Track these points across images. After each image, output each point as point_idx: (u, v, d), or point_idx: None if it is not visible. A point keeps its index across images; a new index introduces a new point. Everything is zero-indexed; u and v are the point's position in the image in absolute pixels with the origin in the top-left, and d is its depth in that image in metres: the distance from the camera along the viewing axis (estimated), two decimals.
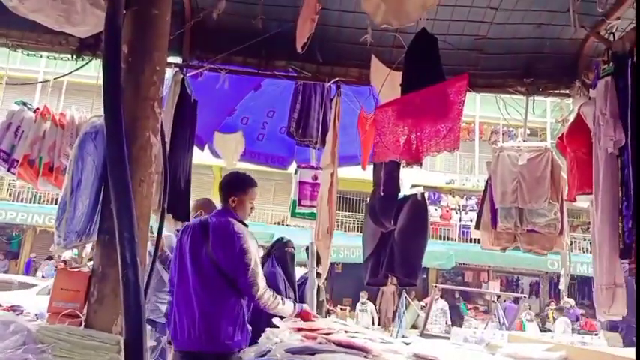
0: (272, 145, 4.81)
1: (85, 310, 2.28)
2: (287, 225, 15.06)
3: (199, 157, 3.71)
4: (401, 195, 3.09)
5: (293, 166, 4.75)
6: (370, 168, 3.29)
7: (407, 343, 2.62)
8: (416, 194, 3.07)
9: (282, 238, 3.96)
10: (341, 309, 13.49)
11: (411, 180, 3.53)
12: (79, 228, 2.38)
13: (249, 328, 2.77)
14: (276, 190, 17.09)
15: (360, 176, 5.70)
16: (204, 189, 16.02)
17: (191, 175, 3.47)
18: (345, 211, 15.86)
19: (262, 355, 2.04)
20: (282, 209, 15.30)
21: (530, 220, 3.14)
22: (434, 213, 16.19)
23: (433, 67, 2.39)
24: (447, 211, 16.91)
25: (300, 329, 2.54)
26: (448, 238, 16.50)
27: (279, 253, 3.86)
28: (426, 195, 3.29)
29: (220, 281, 2.71)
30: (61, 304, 2.25)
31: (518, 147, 3.47)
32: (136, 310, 1.98)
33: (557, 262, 11.22)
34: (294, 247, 3.95)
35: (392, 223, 2.99)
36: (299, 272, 6.46)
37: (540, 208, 3.13)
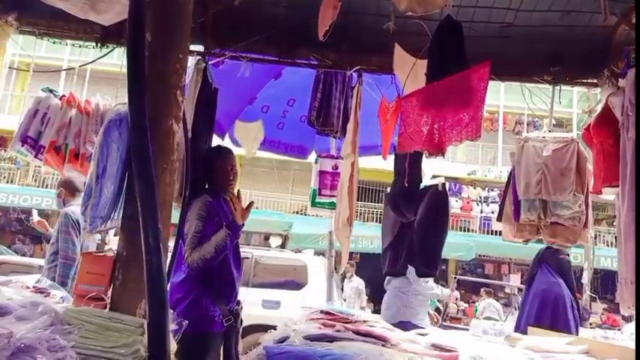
0: (292, 134, 4.81)
1: (109, 294, 2.35)
2: (306, 214, 15.13)
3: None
4: (422, 185, 3.06)
5: (313, 156, 4.75)
6: (390, 158, 3.26)
7: (423, 334, 2.62)
8: (437, 185, 3.04)
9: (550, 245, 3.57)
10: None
11: (432, 170, 3.50)
12: (103, 213, 2.44)
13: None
14: (296, 180, 17.16)
15: (379, 166, 5.68)
16: None
17: None
18: (364, 201, 15.84)
19: (281, 342, 2.06)
20: (302, 198, 15.35)
21: (554, 212, 3.08)
22: (454, 204, 16.03)
23: (458, 55, 2.35)
24: (468, 203, 16.73)
25: (318, 318, 2.56)
26: (468, 230, 16.34)
27: (553, 262, 3.59)
28: (447, 186, 3.26)
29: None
30: (86, 287, 2.32)
31: (544, 137, 3.39)
32: (159, 295, 2.03)
33: (581, 256, 11.01)
34: (567, 254, 3.69)
35: (412, 213, 2.97)
36: (318, 261, 6.51)
37: (565, 200, 3.07)
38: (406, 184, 2.85)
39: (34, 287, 2.53)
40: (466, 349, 2.11)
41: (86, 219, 2.46)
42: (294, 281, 6.27)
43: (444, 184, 3.09)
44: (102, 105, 3.32)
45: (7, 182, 15.61)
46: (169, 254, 2.74)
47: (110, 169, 2.40)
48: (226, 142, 4.67)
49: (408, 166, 2.90)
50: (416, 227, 2.97)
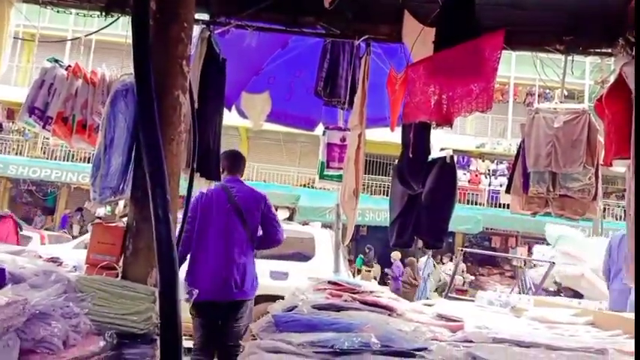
0: (299, 106, 4.76)
1: (120, 263, 2.39)
2: (313, 187, 15.15)
3: (226, 117, 3.71)
4: (429, 158, 3.04)
5: (320, 128, 4.71)
6: (398, 130, 3.23)
7: (429, 305, 2.65)
8: (444, 157, 3.02)
9: None
10: (366, 270, 13.69)
11: (440, 143, 3.45)
12: (113, 184, 2.46)
13: None
14: (302, 152, 17.12)
15: (387, 139, 5.64)
16: (228, 148, 16.19)
17: (221, 134, 3.49)
18: (371, 174, 15.81)
19: (289, 310, 2.09)
20: (309, 171, 15.35)
21: (563, 185, 3.05)
22: (462, 177, 15.95)
23: (468, 23, 2.29)
24: (476, 176, 16.64)
25: (325, 288, 2.60)
26: (476, 203, 16.31)
27: None
28: (455, 159, 3.23)
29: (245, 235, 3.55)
30: (98, 256, 2.36)
31: (555, 109, 3.33)
32: (170, 264, 2.05)
33: (589, 229, 11.00)
34: None
35: (420, 185, 2.97)
36: (325, 234, 6.56)
37: (575, 172, 3.03)
38: (410, 155, 2.83)
39: (46, 257, 2.58)
40: (471, 320, 2.13)
41: (95, 190, 2.49)
42: (301, 253, 6.33)
43: (452, 157, 3.07)
44: (108, 75, 3.30)
45: (17, 154, 15.73)
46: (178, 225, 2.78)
47: (118, 140, 2.41)
48: (232, 114, 4.65)
49: (413, 137, 2.87)
50: (423, 199, 2.96)
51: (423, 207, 2.93)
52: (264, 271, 6.06)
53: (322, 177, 4.08)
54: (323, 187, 4.98)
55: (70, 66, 3.34)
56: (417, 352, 1.35)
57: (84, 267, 2.39)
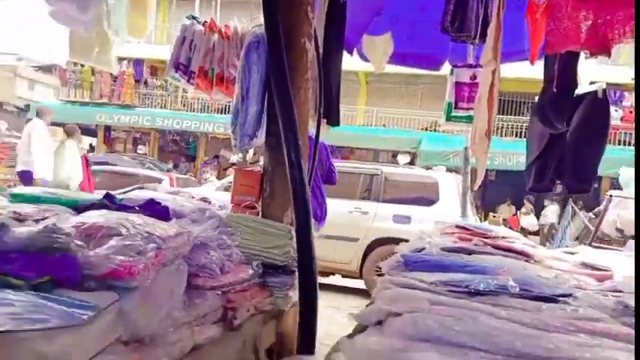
0: (423, 44, 4.52)
1: (259, 204, 2.63)
2: (436, 131, 14.61)
3: (345, 61, 3.69)
4: (576, 92, 2.71)
5: (446, 67, 4.46)
6: (538, 64, 2.91)
7: (572, 253, 2.47)
8: (595, 91, 2.66)
9: None
10: (493, 217, 13.08)
11: (588, 75, 3.02)
12: (250, 132, 2.65)
13: None
14: (424, 95, 16.46)
15: (523, 75, 5.13)
16: (351, 95, 16.21)
17: (341, 79, 3.51)
18: (502, 114, 14.62)
19: (417, 252, 2.11)
20: (431, 114, 14.75)
21: None
22: (614, 114, 13.94)
23: None
24: (631, 112, 14.47)
25: (453, 232, 2.55)
26: (629, 144, 14.29)
27: None
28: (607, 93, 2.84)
29: None
30: (241, 197, 2.62)
31: None
32: (303, 204, 2.21)
33: None
34: None
35: (564, 124, 2.68)
36: (450, 178, 6.37)
37: None
38: (554, 90, 2.54)
39: (198, 197, 2.93)
40: (621, 269, 1.94)
41: (236, 137, 2.70)
42: (424, 197, 6.26)
43: (604, 90, 2.69)
44: (240, 28, 3.47)
45: (161, 107, 17.61)
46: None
47: (252, 89, 2.57)
48: (354, 58, 4.60)
49: (558, 68, 2.56)
50: (568, 138, 2.67)
51: (567, 147, 2.66)
52: (387, 215, 6.16)
53: (449, 118, 3.90)
54: (447, 130, 4.79)
55: (205, 22, 3.57)
56: (561, 298, 1.28)
57: (229, 206, 2.67)
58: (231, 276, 1.80)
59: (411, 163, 13.25)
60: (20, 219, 1.51)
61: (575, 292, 1.39)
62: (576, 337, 0.92)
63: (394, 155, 14.98)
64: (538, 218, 13.31)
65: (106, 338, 1.22)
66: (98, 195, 2.10)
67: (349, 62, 4.69)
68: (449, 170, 6.68)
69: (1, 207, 1.64)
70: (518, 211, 13.73)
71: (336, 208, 6.28)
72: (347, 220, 6.12)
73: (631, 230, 6.59)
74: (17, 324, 1.02)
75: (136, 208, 1.74)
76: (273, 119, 2.52)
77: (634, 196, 1.69)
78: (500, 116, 14.65)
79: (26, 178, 6.64)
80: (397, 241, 2.92)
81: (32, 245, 1.24)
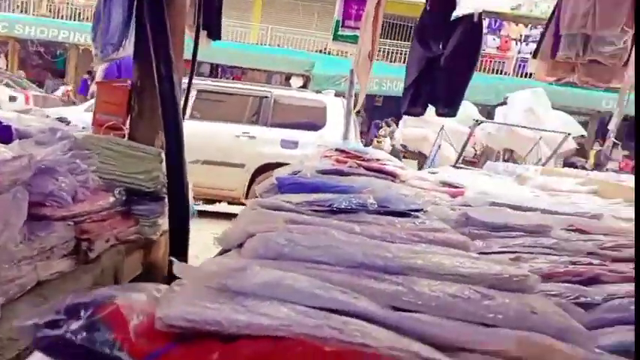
0: None
1: (127, 124, 2.40)
2: (329, 53, 14.50)
3: None
4: (454, 15, 2.76)
5: None
6: None
7: (434, 173, 2.67)
8: (472, 14, 2.73)
9: None
10: (377, 141, 13.71)
11: (468, 3, 3.10)
12: (114, 40, 2.36)
13: None
14: (320, 14, 16.05)
15: None
16: (243, 9, 15.25)
17: None
18: (390, 38, 14.88)
19: (294, 174, 2.11)
20: (326, 35, 14.55)
21: (595, 49, 2.81)
22: (491, 43, 14.90)
23: None
24: (506, 42, 15.50)
25: (332, 155, 2.61)
26: (501, 72, 15.49)
27: None
28: (486, 22, 2.95)
29: None
30: (104, 116, 2.36)
31: None
32: (175, 124, 2.04)
33: (613, 101, 10.58)
34: None
35: (440, 47, 2.75)
36: (337, 102, 6.42)
37: (610, 35, 2.77)
38: (428, 8, 2.56)
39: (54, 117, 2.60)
40: (473, 186, 2.15)
41: (97, 46, 2.40)
42: (312, 122, 6.28)
43: (480, 14, 2.78)
44: None
45: (21, 12, 15.08)
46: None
47: None
48: None
49: None
50: (443, 63, 2.76)
51: (441, 71, 2.75)
52: (275, 140, 6.11)
53: (336, 37, 3.84)
54: (339, 53, 4.73)
55: None
56: (413, 212, 1.37)
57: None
58: (86, 204, 1.64)
59: (304, 86, 13.17)
60: None
61: (427, 206, 1.50)
62: (415, 246, 0.99)
63: (287, 78, 14.73)
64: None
65: None
66: None
67: None
68: (338, 95, 6.71)
69: None
70: (377, 135, 14.32)
71: (223, 132, 6.09)
72: (234, 145, 5.98)
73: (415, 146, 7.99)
74: None
75: None
76: (142, 28, 2.25)
77: (634, 196, 1.82)
78: (390, 40, 14.94)
79: None
80: (284, 166, 2.91)
81: None
